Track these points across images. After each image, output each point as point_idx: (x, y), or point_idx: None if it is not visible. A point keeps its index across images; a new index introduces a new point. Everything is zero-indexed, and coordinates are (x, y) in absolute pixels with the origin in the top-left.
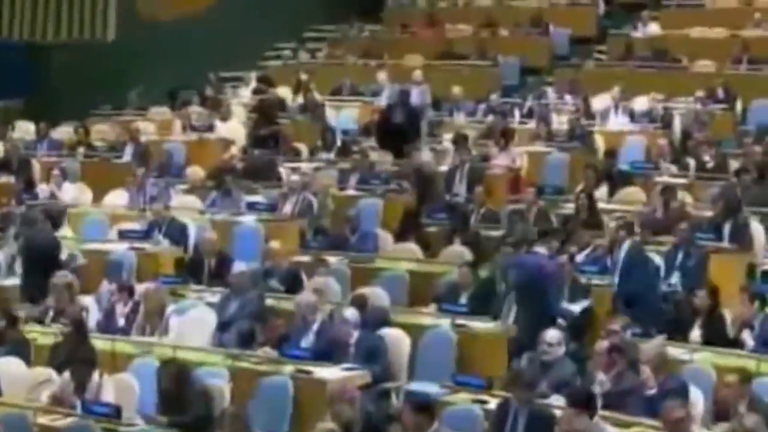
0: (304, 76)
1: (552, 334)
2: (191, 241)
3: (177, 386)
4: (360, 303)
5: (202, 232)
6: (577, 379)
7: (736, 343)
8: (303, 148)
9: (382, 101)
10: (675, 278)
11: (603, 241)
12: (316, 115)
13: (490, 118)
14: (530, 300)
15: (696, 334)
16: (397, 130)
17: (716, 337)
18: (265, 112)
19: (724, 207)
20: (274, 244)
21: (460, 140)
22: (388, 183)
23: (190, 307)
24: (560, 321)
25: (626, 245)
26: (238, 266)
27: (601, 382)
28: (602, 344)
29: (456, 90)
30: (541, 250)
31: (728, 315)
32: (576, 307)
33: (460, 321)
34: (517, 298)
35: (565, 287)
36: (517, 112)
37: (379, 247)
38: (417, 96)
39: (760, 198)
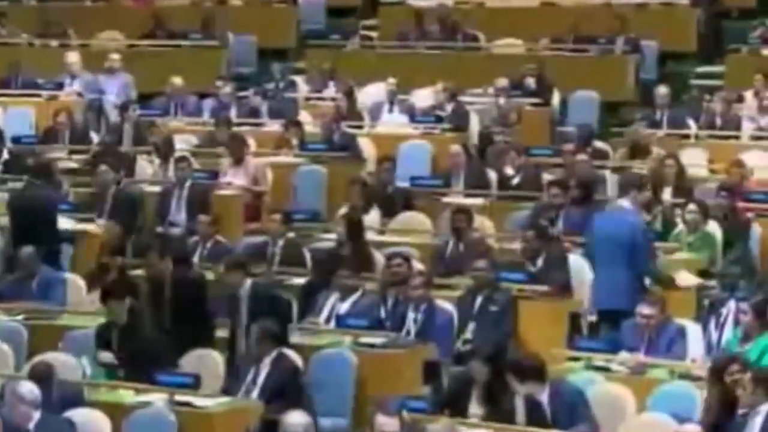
0: None
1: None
2: None
3: None
4: (42, 375)
5: None
6: None
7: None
8: None
9: (74, 94)
10: (470, 332)
11: (374, 285)
12: None
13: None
14: (616, 258)
15: (475, 410)
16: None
17: (499, 416)
18: None
19: (536, 237)
20: None
21: (168, 149)
22: (80, 209)
23: None
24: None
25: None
26: None
27: None
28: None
29: (176, 81)
30: (625, 203)
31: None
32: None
33: (180, 397)
34: (601, 257)
35: None
36: (258, 110)
37: (68, 299)
38: (116, 89)
39: (584, 224)
